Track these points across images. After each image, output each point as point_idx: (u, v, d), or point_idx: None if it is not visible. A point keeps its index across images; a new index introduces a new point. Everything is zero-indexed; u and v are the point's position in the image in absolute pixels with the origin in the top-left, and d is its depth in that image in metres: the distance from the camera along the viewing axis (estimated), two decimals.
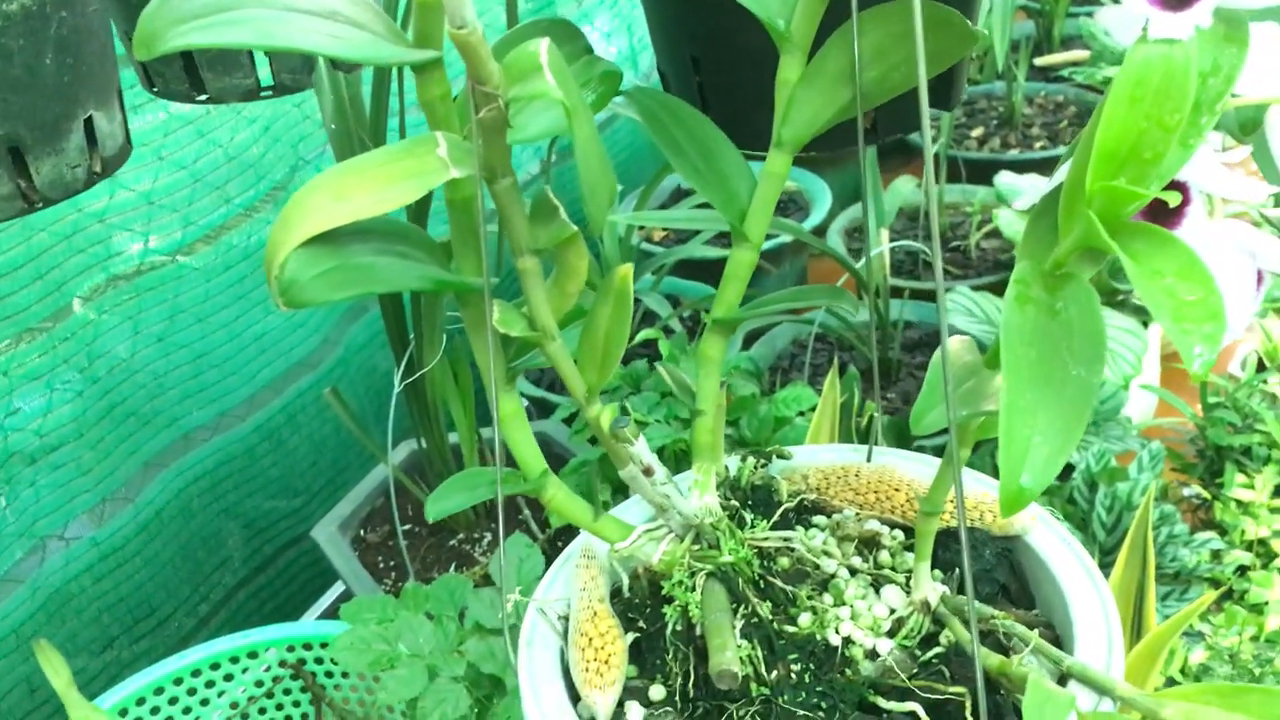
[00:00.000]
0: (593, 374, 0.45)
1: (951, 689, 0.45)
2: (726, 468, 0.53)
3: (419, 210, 0.97)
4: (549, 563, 0.96)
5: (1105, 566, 1.05)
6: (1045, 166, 1.59)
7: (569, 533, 1.14)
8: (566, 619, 0.50)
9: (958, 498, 0.36)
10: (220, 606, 1.28)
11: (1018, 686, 0.44)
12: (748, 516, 0.50)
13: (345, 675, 1.06)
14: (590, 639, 0.47)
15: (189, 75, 0.71)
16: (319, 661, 1.06)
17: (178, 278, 1.16)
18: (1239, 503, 1.15)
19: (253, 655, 1.06)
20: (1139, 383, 1.24)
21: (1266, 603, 1.05)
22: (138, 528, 1.16)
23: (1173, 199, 0.37)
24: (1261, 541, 1.12)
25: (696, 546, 0.48)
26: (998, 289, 1.41)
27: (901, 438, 1.19)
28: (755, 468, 0.53)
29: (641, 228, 1.46)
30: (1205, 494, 1.20)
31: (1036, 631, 0.47)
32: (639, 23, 1.79)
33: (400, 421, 1.22)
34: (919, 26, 0.36)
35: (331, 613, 1.32)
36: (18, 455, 1.05)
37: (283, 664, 1.06)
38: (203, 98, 0.73)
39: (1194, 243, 0.35)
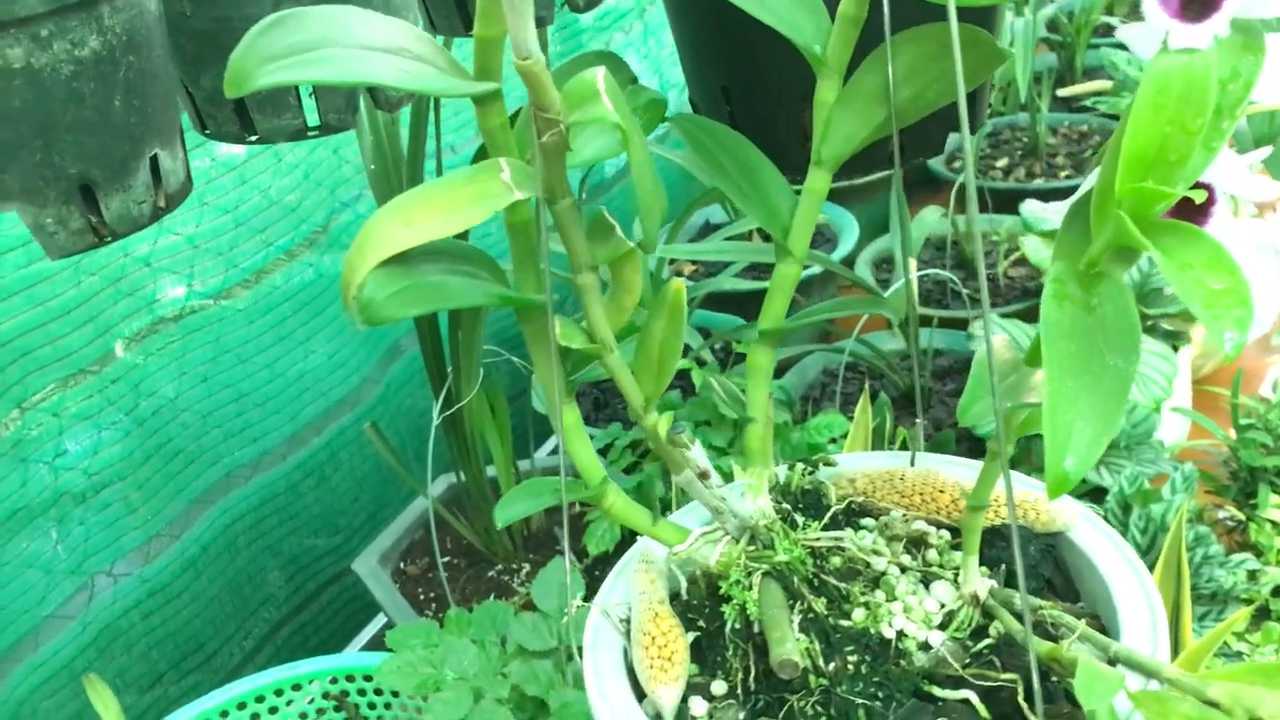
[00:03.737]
0: (649, 384, 0.47)
1: (1003, 676, 0.46)
2: (776, 474, 0.55)
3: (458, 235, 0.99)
4: (589, 588, 0.97)
5: None
6: (1071, 195, 1.60)
7: (605, 562, 1.15)
8: (627, 621, 0.52)
9: (1006, 483, 0.38)
10: (265, 641, 1.29)
11: (1068, 671, 0.45)
12: (799, 519, 0.52)
13: (388, 706, 1.07)
14: (653, 638, 0.49)
15: (239, 117, 0.74)
16: (362, 693, 1.07)
17: (221, 319, 1.19)
18: (1273, 523, 1.16)
19: (296, 687, 1.07)
20: (1170, 406, 1.25)
21: None
22: (184, 564, 1.18)
23: (1198, 196, 0.39)
24: None
25: (751, 547, 0.50)
26: (1026, 316, 1.43)
27: None
28: (804, 474, 0.55)
29: (671, 262, 1.49)
30: (1240, 515, 1.20)
31: (1084, 621, 0.48)
32: (666, 62, 1.83)
33: (439, 456, 1.24)
34: (957, 45, 0.38)
35: (374, 645, 1.33)
36: (67, 495, 1.07)
37: (326, 695, 1.07)
38: (253, 138, 0.75)
39: (1221, 237, 0.37)
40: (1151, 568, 1.09)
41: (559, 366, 0.45)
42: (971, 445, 1.26)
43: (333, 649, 1.36)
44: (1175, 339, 1.29)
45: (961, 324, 1.39)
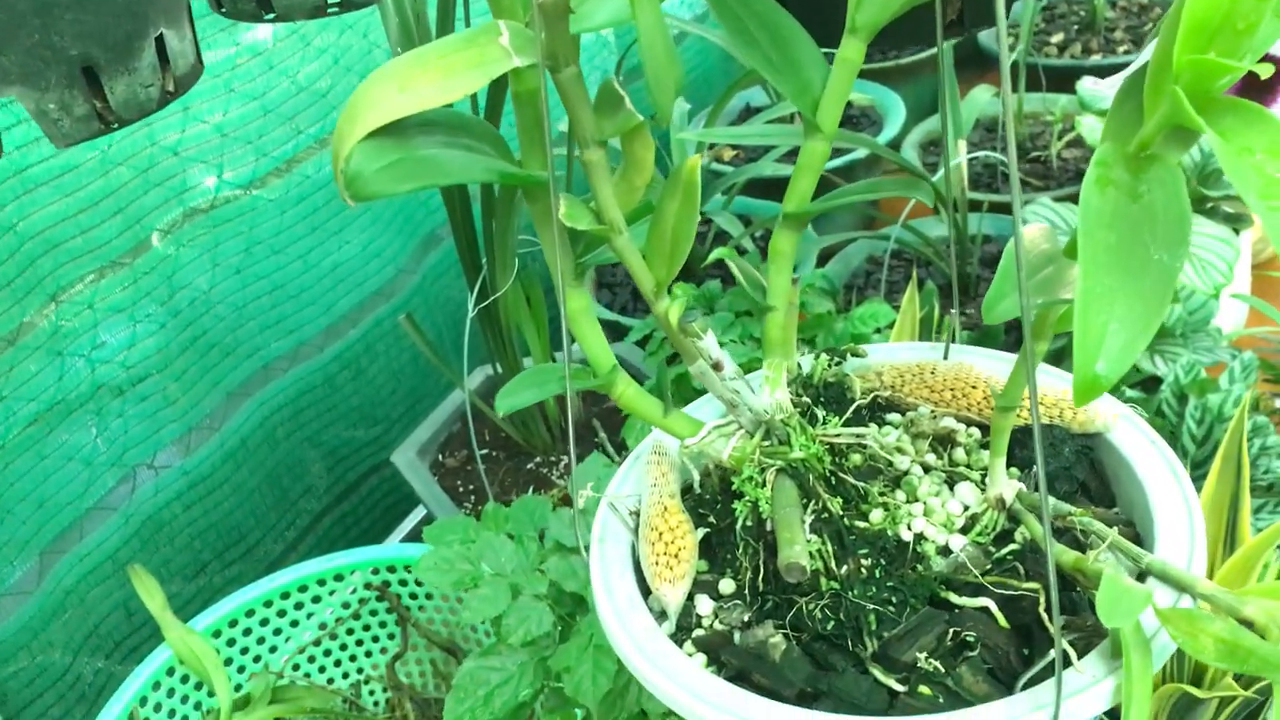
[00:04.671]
0: (661, 268, 0.44)
1: (1025, 585, 0.44)
2: (799, 365, 0.52)
3: (492, 107, 0.96)
4: None
5: (1197, 480, 1.03)
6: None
7: None
8: (638, 514, 0.50)
9: (1030, 386, 0.35)
10: (306, 532, 1.30)
11: (1094, 583, 0.42)
12: (819, 413, 0.49)
13: (429, 597, 1.08)
14: (661, 533, 0.47)
15: None
16: (403, 584, 1.08)
17: (252, 210, 1.17)
18: None
19: (339, 578, 1.08)
20: (1230, 292, 1.20)
21: None
22: (224, 456, 1.18)
23: (1265, 71, 0.35)
24: None
25: (767, 443, 0.48)
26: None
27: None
28: (829, 365, 0.52)
29: (711, 147, 1.44)
30: None
31: (1115, 529, 0.45)
32: None
33: (476, 349, 1.22)
34: None
35: (414, 536, 1.34)
36: (105, 387, 1.07)
37: (368, 586, 1.08)
38: (270, 16, 0.72)
39: None
40: (1207, 460, 1.05)
41: (565, 248, 0.43)
42: (1019, 336, 1.23)
43: (373, 540, 1.37)
44: (1236, 222, 1.24)
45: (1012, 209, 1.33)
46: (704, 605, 0.47)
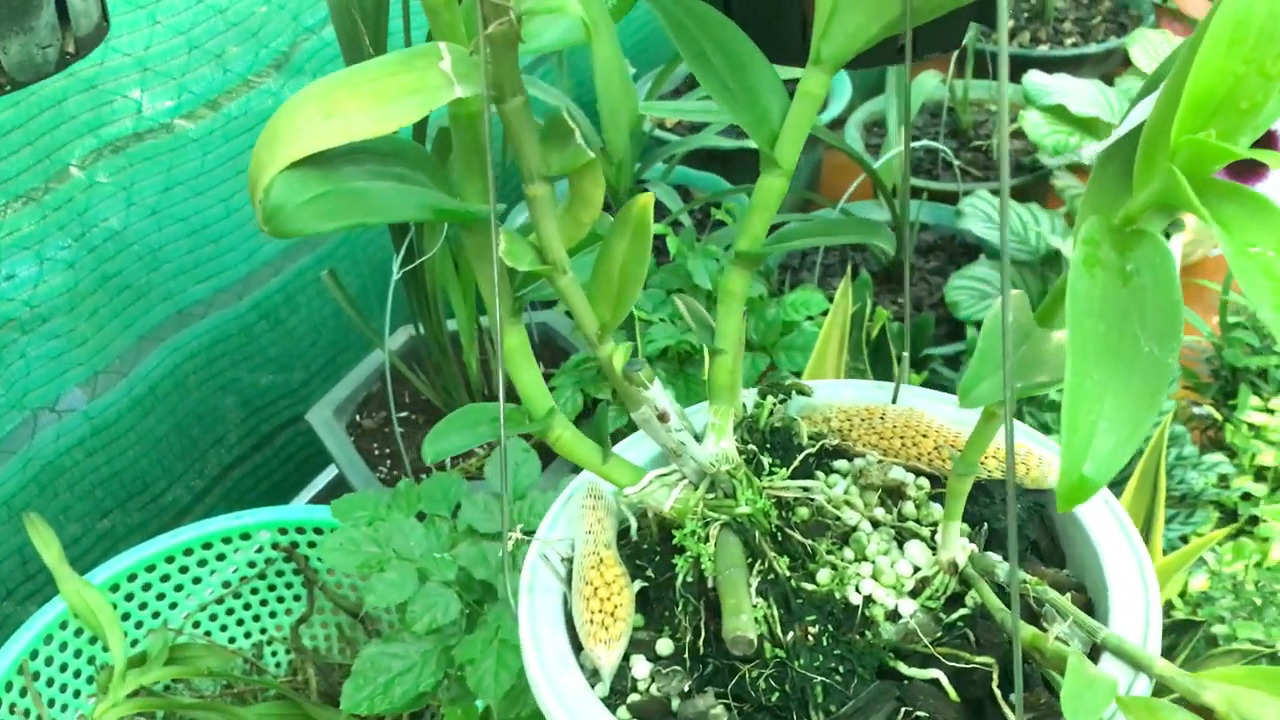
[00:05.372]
0: (606, 311, 0.42)
1: (978, 659, 0.43)
2: (744, 405, 0.50)
3: (418, 123, 0.92)
4: (544, 467, 0.94)
5: (1113, 488, 1.04)
6: (1075, 64, 1.53)
7: None
8: (570, 561, 0.48)
9: (1009, 474, 0.33)
10: (215, 483, 1.27)
11: (1049, 661, 0.41)
12: (766, 461, 0.48)
13: None
14: (596, 589, 0.44)
15: None
16: (312, 545, 1.05)
17: (173, 148, 1.12)
18: (1251, 426, 1.13)
19: (245, 536, 1.05)
20: None
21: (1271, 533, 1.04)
22: (132, 402, 1.14)
23: (1274, 161, 0.33)
24: (1270, 467, 1.10)
25: (711, 495, 0.46)
26: (1019, 193, 1.37)
27: (912, 344, 1.16)
28: (774, 407, 0.50)
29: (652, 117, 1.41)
30: (1217, 415, 1.18)
31: (1069, 595, 0.44)
32: None
33: (400, 308, 1.19)
34: None
35: (326, 496, 1.31)
36: (10, 323, 1.03)
37: (276, 546, 1.05)
38: None
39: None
40: (1125, 471, 1.06)
41: (505, 286, 0.40)
42: (951, 328, 1.22)
43: (283, 496, 1.34)
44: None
45: (951, 198, 1.33)
46: (640, 668, 0.45)
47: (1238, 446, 1.12)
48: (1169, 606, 1.00)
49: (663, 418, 0.43)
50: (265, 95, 1.18)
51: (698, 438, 0.46)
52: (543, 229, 0.39)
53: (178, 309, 1.18)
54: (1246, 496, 1.09)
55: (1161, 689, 0.42)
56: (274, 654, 1.08)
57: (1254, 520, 1.07)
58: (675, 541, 0.45)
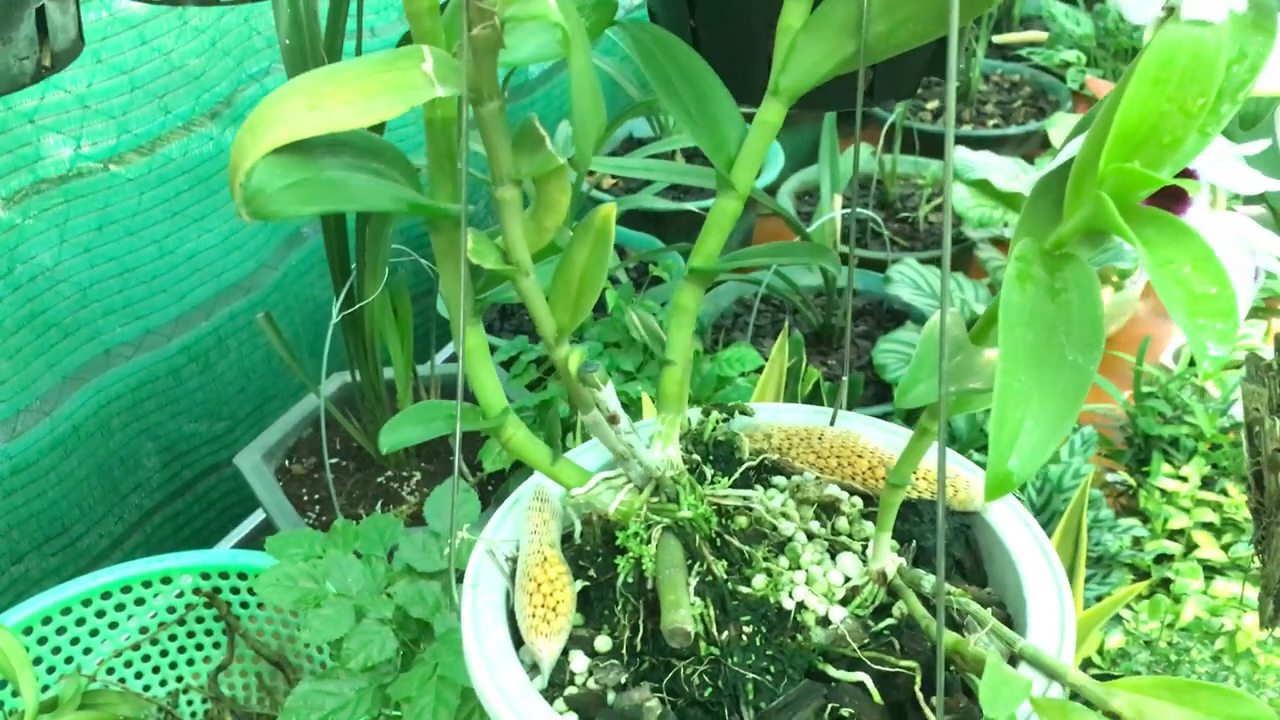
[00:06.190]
0: (565, 315, 0.43)
1: (902, 663, 0.44)
2: (689, 420, 0.51)
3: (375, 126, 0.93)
4: (483, 507, 0.94)
5: None
6: (997, 144, 1.59)
7: (500, 478, 1.12)
8: (514, 560, 0.49)
9: (939, 479, 0.35)
10: (135, 528, 1.24)
11: (970, 666, 0.43)
12: (708, 472, 0.49)
13: (261, 607, 1.03)
14: (539, 584, 0.45)
15: None
16: (235, 591, 1.03)
17: (109, 187, 1.11)
18: (1163, 492, 1.17)
19: (166, 581, 1.03)
20: None
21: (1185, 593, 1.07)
22: (53, 443, 1.12)
23: (1193, 189, 0.36)
24: (1182, 531, 1.14)
25: (655, 499, 0.47)
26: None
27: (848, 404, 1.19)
28: (718, 423, 0.51)
29: (591, 173, 1.44)
30: (1131, 481, 1.21)
31: (990, 610, 0.46)
32: None
33: (335, 353, 1.19)
34: None
35: (249, 542, 1.29)
36: None
37: (197, 591, 1.03)
38: None
39: (1206, 234, 0.34)
40: (1045, 527, 1.09)
41: (468, 285, 0.41)
42: (879, 389, 1.25)
43: (205, 542, 1.32)
44: None
45: (879, 265, 1.37)
46: (578, 662, 0.46)
47: (1150, 511, 1.16)
48: (1087, 663, 1.02)
49: (613, 420, 0.44)
50: (204, 139, 1.19)
51: (645, 445, 0.47)
52: (509, 231, 0.41)
53: (104, 349, 1.17)
54: (1160, 559, 1.12)
55: (1074, 698, 0.44)
56: (189, 703, 1.05)
57: (1165, 583, 1.10)
58: (618, 543, 0.47)
